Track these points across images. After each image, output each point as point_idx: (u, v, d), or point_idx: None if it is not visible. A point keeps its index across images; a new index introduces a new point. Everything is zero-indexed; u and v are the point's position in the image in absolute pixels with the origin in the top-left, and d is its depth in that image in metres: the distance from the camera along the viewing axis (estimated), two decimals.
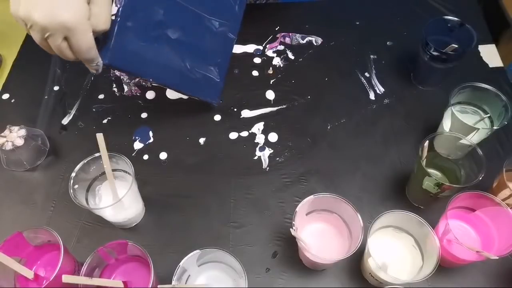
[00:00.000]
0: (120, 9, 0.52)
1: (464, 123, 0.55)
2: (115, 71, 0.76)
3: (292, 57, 0.77)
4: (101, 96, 0.74)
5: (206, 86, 0.66)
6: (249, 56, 0.78)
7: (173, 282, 0.47)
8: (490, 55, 0.75)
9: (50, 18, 0.46)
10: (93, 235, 0.60)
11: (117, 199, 0.53)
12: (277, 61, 0.77)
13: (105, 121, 0.71)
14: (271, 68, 0.76)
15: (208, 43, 0.63)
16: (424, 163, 0.53)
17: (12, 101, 0.74)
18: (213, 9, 0.62)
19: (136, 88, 0.75)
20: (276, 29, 0.81)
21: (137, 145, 0.68)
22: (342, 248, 0.53)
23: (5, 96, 0.75)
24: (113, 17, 0.52)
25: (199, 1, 0.60)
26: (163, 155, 0.67)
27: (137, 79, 0.75)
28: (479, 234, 0.55)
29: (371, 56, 0.77)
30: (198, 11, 0.60)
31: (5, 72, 0.78)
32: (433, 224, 0.51)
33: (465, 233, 0.55)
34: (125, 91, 0.74)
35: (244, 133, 0.69)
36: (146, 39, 0.56)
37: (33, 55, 0.79)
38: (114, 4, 0.53)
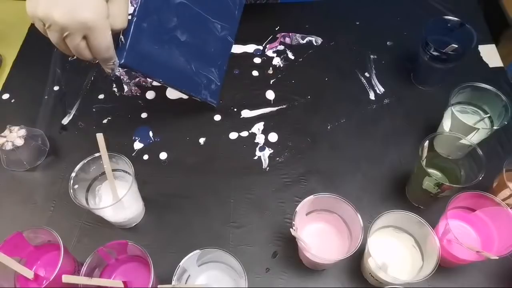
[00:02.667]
0: (137, 8, 0.53)
1: (464, 123, 0.55)
2: (120, 74, 0.76)
3: (292, 57, 0.77)
4: (101, 96, 0.74)
5: (208, 88, 0.67)
6: (249, 56, 0.78)
7: (173, 282, 0.47)
8: (490, 55, 0.75)
9: (70, 17, 0.45)
10: (93, 235, 0.60)
11: (117, 199, 0.53)
12: (277, 61, 0.77)
13: (105, 121, 0.71)
14: (271, 68, 0.76)
15: (211, 46, 0.64)
16: (424, 163, 0.53)
17: (12, 101, 0.74)
18: (217, 12, 0.62)
19: (136, 88, 0.75)
20: (276, 29, 0.81)
21: (137, 145, 0.68)
22: (342, 248, 0.53)
23: (5, 96, 0.74)
24: (129, 17, 0.53)
25: (206, 5, 0.61)
26: (163, 155, 0.67)
27: (137, 79, 0.75)
28: (479, 234, 0.55)
29: (371, 56, 0.77)
30: (204, 14, 0.61)
31: (5, 72, 0.78)
32: (433, 224, 0.51)
33: (465, 233, 0.55)
34: (125, 91, 0.74)
35: (244, 133, 0.69)
36: (158, 41, 0.57)
37: (33, 55, 0.79)
38: (130, 4, 0.53)
